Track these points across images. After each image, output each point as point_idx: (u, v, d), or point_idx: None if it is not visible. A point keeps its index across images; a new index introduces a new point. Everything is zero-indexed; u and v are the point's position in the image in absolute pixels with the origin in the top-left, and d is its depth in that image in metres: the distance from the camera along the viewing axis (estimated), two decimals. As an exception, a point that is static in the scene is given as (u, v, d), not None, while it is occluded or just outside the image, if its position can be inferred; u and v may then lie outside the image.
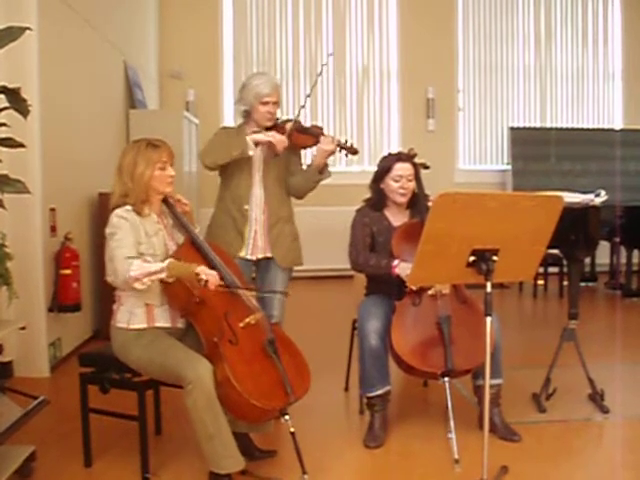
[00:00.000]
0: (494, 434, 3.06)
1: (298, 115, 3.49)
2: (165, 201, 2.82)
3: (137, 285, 2.55)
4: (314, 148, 3.47)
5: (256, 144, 3.34)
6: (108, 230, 2.66)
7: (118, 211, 2.66)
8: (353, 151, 3.46)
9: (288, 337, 2.90)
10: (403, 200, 3.35)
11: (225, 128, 3.66)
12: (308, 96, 3.68)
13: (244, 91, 3.43)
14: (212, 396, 2.48)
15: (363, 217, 3.39)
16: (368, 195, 3.46)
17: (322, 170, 3.44)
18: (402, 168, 3.31)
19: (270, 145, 3.36)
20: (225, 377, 2.50)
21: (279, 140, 3.34)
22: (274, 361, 2.67)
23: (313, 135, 3.43)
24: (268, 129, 3.41)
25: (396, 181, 3.31)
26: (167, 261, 2.58)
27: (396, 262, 3.16)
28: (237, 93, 3.52)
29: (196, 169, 6.71)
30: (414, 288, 3.10)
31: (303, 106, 3.60)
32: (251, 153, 3.31)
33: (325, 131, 3.46)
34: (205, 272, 2.59)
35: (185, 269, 2.59)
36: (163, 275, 2.56)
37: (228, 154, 3.30)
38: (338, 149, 3.43)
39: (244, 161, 3.39)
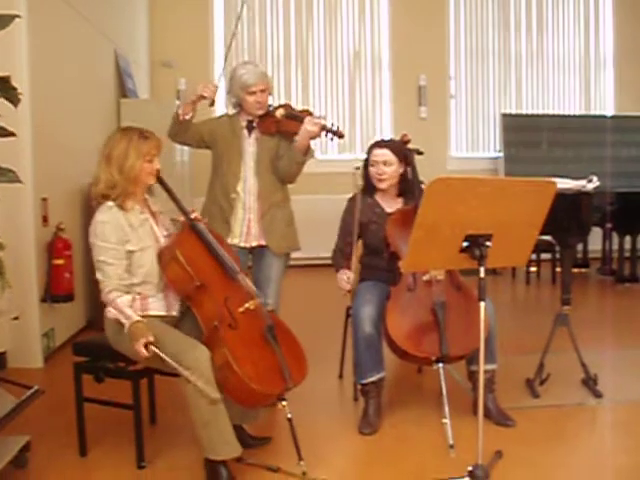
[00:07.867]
0: (488, 419, 3.07)
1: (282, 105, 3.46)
2: (159, 180, 2.79)
3: (110, 308, 2.63)
4: None
5: (191, 104, 3.35)
6: (92, 240, 2.68)
7: (100, 216, 2.66)
8: (339, 134, 3.37)
9: (285, 324, 2.90)
10: (382, 186, 3.34)
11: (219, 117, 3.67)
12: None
13: (231, 82, 3.42)
14: (209, 382, 2.47)
15: (353, 207, 3.38)
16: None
17: (305, 152, 3.40)
18: (376, 154, 3.33)
19: (201, 97, 3.34)
20: (225, 361, 2.50)
21: (203, 86, 3.35)
22: (273, 347, 2.66)
23: (300, 120, 3.36)
24: (260, 117, 3.39)
25: (372, 166, 3.33)
26: (135, 319, 2.54)
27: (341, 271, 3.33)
28: (227, 83, 3.50)
29: (188, 158, 6.68)
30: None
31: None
32: (187, 117, 3.34)
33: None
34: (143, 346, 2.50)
35: (132, 336, 2.52)
36: (125, 322, 2.55)
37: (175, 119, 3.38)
38: (324, 132, 3.35)
39: (234, 149, 3.38)
